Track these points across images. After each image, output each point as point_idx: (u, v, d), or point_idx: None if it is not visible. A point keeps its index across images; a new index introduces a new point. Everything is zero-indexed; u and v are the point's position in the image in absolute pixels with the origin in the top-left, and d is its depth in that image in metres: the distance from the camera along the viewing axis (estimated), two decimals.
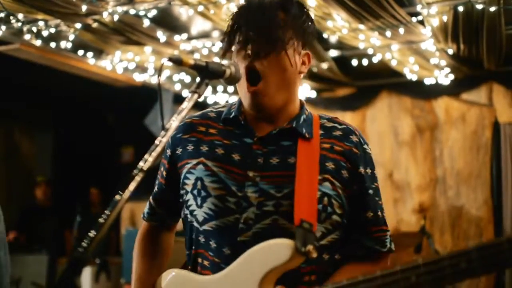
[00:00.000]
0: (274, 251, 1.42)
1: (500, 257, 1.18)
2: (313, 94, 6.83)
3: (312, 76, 6.24)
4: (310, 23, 1.63)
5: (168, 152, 1.70)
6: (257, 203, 1.51)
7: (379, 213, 1.65)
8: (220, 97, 7.23)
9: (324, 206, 1.53)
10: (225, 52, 1.60)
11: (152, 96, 6.80)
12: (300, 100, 1.68)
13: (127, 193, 1.21)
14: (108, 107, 8.96)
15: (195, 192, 1.58)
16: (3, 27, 4.76)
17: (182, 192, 1.64)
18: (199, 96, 1.37)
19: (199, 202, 1.57)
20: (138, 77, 6.40)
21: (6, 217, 2.13)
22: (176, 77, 6.48)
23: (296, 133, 1.60)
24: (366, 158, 1.64)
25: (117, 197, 1.19)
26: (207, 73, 1.40)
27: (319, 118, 1.67)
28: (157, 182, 1.77)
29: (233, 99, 7.28)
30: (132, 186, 1.21)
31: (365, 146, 1.66)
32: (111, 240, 7.49)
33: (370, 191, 1.62)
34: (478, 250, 1.19)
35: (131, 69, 6.12)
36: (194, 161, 1.60)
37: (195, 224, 1.60)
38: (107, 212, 1.16)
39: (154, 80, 6.52)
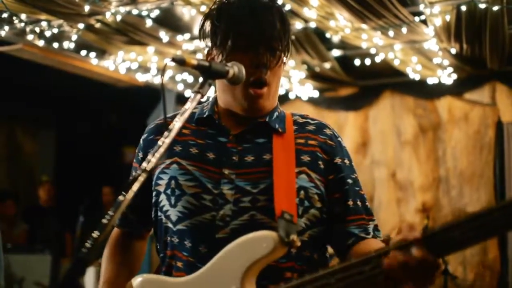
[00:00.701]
0: (257, 243, 1.41)
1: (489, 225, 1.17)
2: (315, 94, 6.83)
3: (314, 75, 6.24)
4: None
5: (140, 154, 1.72)
6: (233, 200, 1.52)
7: (359, 202, 1.64)
8: None
9: (301, 200, 1.54)
10: (227, 57, 1.56)
11: (154, 96, 6.81)
12: (277, 103, 1.72)
13: (130, 194, 1.21)
14: (111, 107, 8.98)
15: (168, 191, 1.58)
16: (6, 28, 4.77)
17: (154, 193, 1.63)
18: (202, 96, 1.37)
19: (173, 201, 1.56)
20: (141, 77, 6.40)
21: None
22: (178, 77, 6.48)
23: (269, 128, 1.63)
24: (342, 150, 1.67)
25: (120, 197, 1.19)
26: (210, 73, 1.40)
27: (291, 115, 1.71)
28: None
29: None
30: (135, 186, 1.21)
31: (340, 139, 1.69)
32: None
33: (349, 181, 1.64)
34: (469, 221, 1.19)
35: (134, 69, 6.13)
36: (168, 161, 1.60)
37: (169, 224, 1.58)
38: (110, 212, 1.16)
39: (156, 80, 6.52)
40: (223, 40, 1.57)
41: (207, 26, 1.64)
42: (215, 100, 1.70)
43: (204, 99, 1.45)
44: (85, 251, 1.11)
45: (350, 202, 1.62)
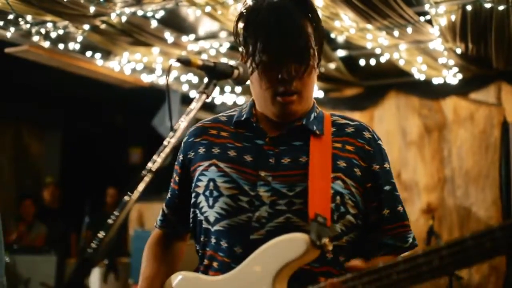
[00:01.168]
0: (289, 245, 1.41)
1: None
2: (320, 94, 6.82)
3: (319, 76, 6.19)
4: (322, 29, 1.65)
5: (180, 157, 1.74)
6: (269, 202, 1.52)
7: (399, 208, 1.63)
8: (227, 97, 7.24)
9: (337, 205, 1.53)
10: (253, 70, 1.57)
11: (160, 97, 6.82)
12: (314, 103, 1.71)
13: (136, 194, 1.22)
14: (116, 108, 9.00)
15: (207, 193, 1.60)
16: (12, 29, 4.79)
17: (193, 195, 1.66)
18: (207, 97, 1.38)
19: (210, 202, 1.59)
20: (146, 78, 6.42)
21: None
22: (183, 78, 6.49)
23: (306, 131, 1.62)
24: (381, 154, 1.64)
25: (126, 198, 1.20)
26: (215, 74, 1.40)
27: (330, 116, 1.70)
28: (170, 188, 1.78)
29: (241, 99, 7.31)
30: (140, 187, 1.21)
31: (379, 142, 1.66)
32: (120, 241, 7.51)
33: (387, 187, 1.62)
34: (501, 229, 1.17)
35: (139, 70, 6.14)
36: (206, 163, 1.63)
37: (206, 225, 1.61)
38: (116, 213, 1.16)
39: (162, 81, 6.53)
40: (251, 53, 1.57)
41: (239, 30, 1.63)
42: (253, 103, 1.69)
43: (242, 103, 1.45)
44: (91, 251, 1.11)
45: (386, 211, 1.60)
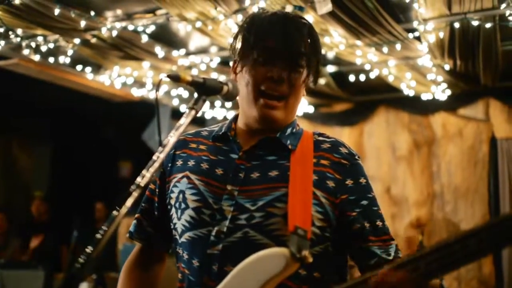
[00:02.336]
0: (268, 261, 1.38)
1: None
2: (311, 110, 6.86)
3: (309, 91, 6.23)
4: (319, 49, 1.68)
5: (161, 169, 1.72)
6: (230, 217, 1.51)
7: (378, 222, 1.59)
8: (218, 112, 7.25)
9: None
10: (249, 69, 1.59)
11: (150, 111, 6.82)
12: (295, 120, 1.71)
13: (124, 209, 1.22)
14: (106, 122, 8.98)
15: (177, 204, 1.60)
16: (2, 42, 4.79)
17: (168, 207, 1.66)
18: (197, 113, 1.38)
19: (179, 214, 1.59)
20: (136, 92, 6.42)
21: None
22: (174, 92, 6.50)
23: (279, 144, 1.62)
24: (357, 169, 1.62)
25: (115, 212, 1.20)
26: (204, 90, 1.40)
27: (312, 134, 1.69)
28: (145, 198, 1.76)
29: (231, 114, 7.32)
30: (129, 201, 1.21)
31: (356, 158, 1.64)
32: (108, 256, 7.46)
33: (363, 202, 1.58)
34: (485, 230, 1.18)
35: (129, 84, 6.14)
36: (180, 175, 1.63)
37: (177, 236, 1.60)
38: (104, 227, 1.16)
39: (152, 95, 6.54)
40: (248, 50, 1.58)
41: (238, 39, 1.64)
42: (235, 117, 1.71)
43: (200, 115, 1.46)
44: (78, 266, 1.11)
45: (367, 224, 1.57)
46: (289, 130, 1.65)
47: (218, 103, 7.00)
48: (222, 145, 1.66)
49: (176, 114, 6.92)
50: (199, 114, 1.43)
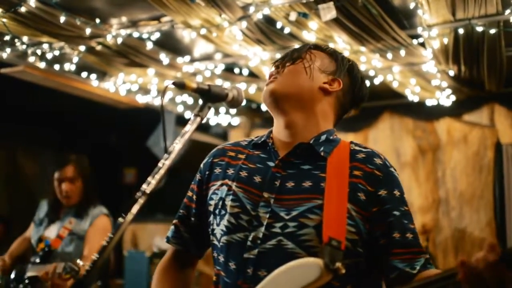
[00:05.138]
0: (303, 270, 1.40)
1: None
2: None
3: None
4: (343, 61, 1.83)
5: (198, 176, 1.83)
6: (266, 224, 1.56)
7: (408, 235, 1.56)
8: (222, 119, 7.26)
9: None
10: None
11: (154, 118, 6.83)
12: (333, 130, 1.77)
13: (130, 216, 1.22)
14: (111, 129, 9.00)
15: (216, 211, 1.68)
16: (8, 50, 4.81)
17: (208, 214, 1.73)
18: (202, 119, 1.39)
19: (218, 220, 1.66)
20: (141, 99, 6.44)
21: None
22: (178, 99, 6.51)
23: (313, 151, 1.66)
24: (391, 181, 1.63)
25: (120, 219, 1.20)
26: (209, 97, 1.42)
27: (349, 144, 1.72)
28: (183, 206, 1.85)
29: (235, 120, 7.34)
30: (135, 208, 1.22)
31: (391, 169, 1.65)
32: (113, 262, 7.47)
33: (395, 213, 1.57)
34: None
35: (134, 91, 6.16)
36: (219, 183, 1.72)
37: (215, 241, 1.67)
38: (110, 234, 1.16)
39: (156, 102, 6.56)
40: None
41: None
42: (272, 130, 1.80)
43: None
44: (85, 273, 1.11)
45: (396, 235, 1.55)
46: (323, 137, 1.70)
47: (223, 109, 7.01)
48: (261, 153, 1.74)
49: (181, 121, 6.93)
50: (204, 120, 1.44)
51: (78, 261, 3.24)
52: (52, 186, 3.82)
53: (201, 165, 1.84)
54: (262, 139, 1.77)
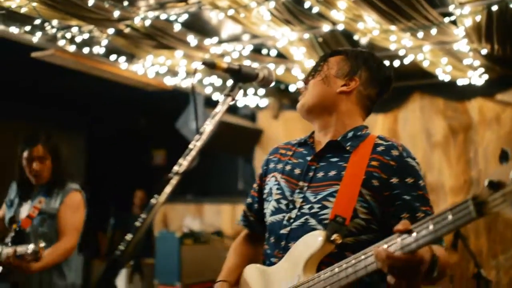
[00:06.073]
0: (310, 241, 1.80)
1: None
2: None
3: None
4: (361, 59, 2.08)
5: (260, 170, 2.26)
6: (299, 206, 1.94)
7: (419, 214, 1.80)
8: (250, 100, 7.25)
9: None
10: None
11: (182, 100, 6.86)
12: (362, 126, 2.05)
13: (162, 197, 1.23)
14: (140, 111, 9.07)
15: (267, 198, 2.11)
16: (39, 34, 4.86)
17: (263, 200, 2.15)
18: (233, 99, 1.39)
19: (267, 205, 2.09)
20: (169, 81, 6.46)
21: None
22: (207, 81, 6.51)
23: (340, 146, 1.98)
24: (405, 169, 1.87)
25: (153, 200, 1.21)
26: (240, 77, 1.42)
27: (375, 138, 2.00)
28: (249, 195, 2.28)
29: (264, 102, 7.32)
30: (167, 189, 1.22)
31: (407, 159, 1.90)
32: (145, 242, 7.58)
33: (405, 197, 1.82)
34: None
35: (162, 73, 6.18)
36: (271, 175, 2.14)
37: (266, 222, 2.09)
38: (143, 215, 1.17)
39: (184, 84, 6.57)
40: None
41: None
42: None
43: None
44: (119, 253, 1.12)
45: (405, 215, 1.80)
46: (350, 134, 2.01)
47: (251, 91, 6.99)
48: (303, 150, 2.11)
49: (209, 102, 6.94)
50: (234, 101, 1.44)
51: (41, 243, 3.31)
52: (20, 165, 3.81)
53: (263, 162, 2.26)
54: (304, 139, 2.13)
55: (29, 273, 3.42)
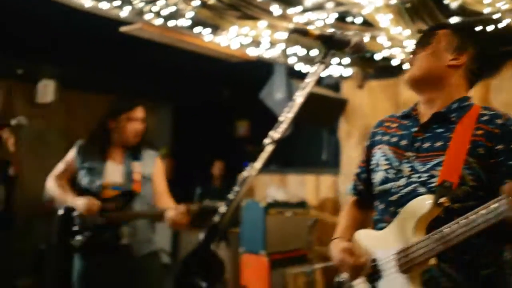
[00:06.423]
0: (419, 204, 1.93)
1: None
2: None
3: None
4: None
5: (366, 142, 2.40)
6: (407, 175, 2.07)
7: None
8: (334, 70, 7.13)
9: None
10: None
11: (266, 70, 6.84)
12: (466, 97, 2.15)
13: (253, 169, 1.22)
14: (224, 82, 9.16)
15: (375, 169, 2.25)
16: (126, 8, 4.98)
17: (371, 171, 2.30)
18: (326, 67, 1.35)
19: (375, 175, 2.24)
20: (253, 52, 6.45)
21: None
22: (290, 51, 6.45)
23: (445, 117, 2.08)
24: (509, 137, 1.96)
25: (245, 173, 1.20)
26: (333, 43, 1.39)
27: (479, 108, 2.08)
28: (358, 166, 2.44)
29: (348, 71, 7.18)
30: (260, 161, 1.21)
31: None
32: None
33: (511, 163, 1.93)
34: None
35: (246, 44, 6.18)
36: (378, 147, 2.28)
37: (374, 191, 2.24)
38: (236, 188, 1.17)
39: (268, 55, 6.55)
40: None
41: None
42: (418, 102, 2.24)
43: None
44: (217, 221, 1.14)
45: (509, 181, 1.92)
46: (455, 105, 2.10)
47: (334, 60, 6.86)
48: (408, 122, 2.22)
49: (293, 73, 6.89)
50: (326, 68, 1.40)
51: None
52: (106, 128, 3.90)
53: (369, 135, 2.41)
54: (409, 111, 2.23)
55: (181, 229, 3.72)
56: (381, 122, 2.37)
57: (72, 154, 3.98)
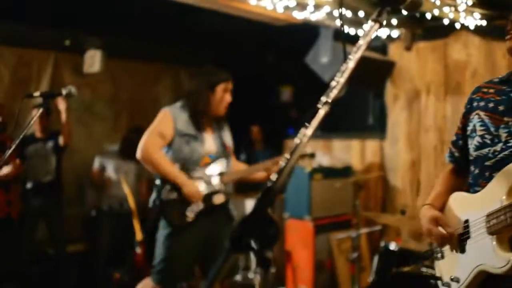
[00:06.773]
0: None
1: None
2: (483, 23, 6.27)
3: (483, 2, 5.71)
4: None
5: (464, 109, 2.43)
6: (504, 140, 2.13)
7: None
8: (381, 31, 6.94)
9: None
10: None
11: (312, 34, 6.72)
12: None
13: (308, 133, 1.19)
14: (269, 46, 9.06)
15: (471, 134, 2.29)
16: None
17: (467, 137, 2.33)
18: (381, 26, 1.28)
19: (471, 141, 2.29)
20: (298, 15, 6.33)
21: None
22: (336, 13, 6.30)
23: None
24: None
25: (296, 140, 1.18)
26: (387, 0, 1.31)
27: None
28: (455, 133, 2.49)
29: (395, 33, 6.97)
30: (315, 122, 1.18)
31: None
32: None
33: None
34: None
35: (291, 7, 6.06)
36: (474, 113, 2.31)
37: (470, 157, 2.29)
38: (286, 155, 1.14)
39: (314, 18, 6.41)
40: None
41: None
42: None
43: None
44: (271, 184, 1.12)
45: None
46: None
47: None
48: (506, 87, 2.24)
49: (339, 35, 6.74)
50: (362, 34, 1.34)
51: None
52: (208, 98, 3.96)
53: (466, 101, 2.43)
54: (507, 76, 2.25)
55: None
56: (478, 88, 2.38)
57: (169, 124, 4.02)
